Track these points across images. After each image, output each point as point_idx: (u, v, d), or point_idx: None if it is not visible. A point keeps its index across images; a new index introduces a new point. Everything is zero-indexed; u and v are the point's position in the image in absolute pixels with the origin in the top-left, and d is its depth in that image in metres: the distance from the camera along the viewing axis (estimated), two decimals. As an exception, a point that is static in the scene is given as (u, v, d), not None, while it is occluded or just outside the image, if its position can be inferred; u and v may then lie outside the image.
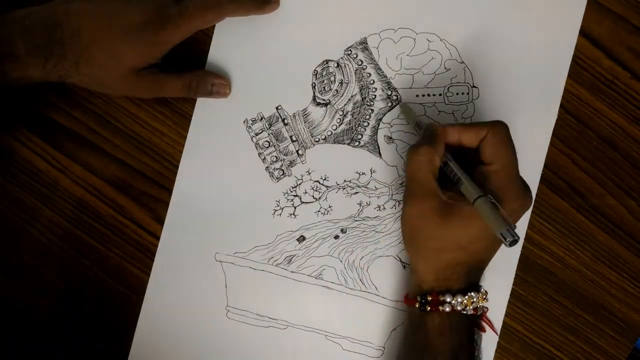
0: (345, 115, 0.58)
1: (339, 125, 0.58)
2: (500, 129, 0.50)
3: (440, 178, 0.50)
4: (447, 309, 0.49)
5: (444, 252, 0.50)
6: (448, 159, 0.50)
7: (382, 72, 0.58)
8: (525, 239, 0.58)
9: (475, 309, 0.50)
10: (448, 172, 0.50)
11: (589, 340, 0.59)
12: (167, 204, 0.57)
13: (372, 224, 0.58)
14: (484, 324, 0.55)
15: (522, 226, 0.58)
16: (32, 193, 0.57)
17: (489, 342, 0.58)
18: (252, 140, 0.58)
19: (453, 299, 0.49)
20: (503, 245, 0.45)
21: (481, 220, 0.47)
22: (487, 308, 0.53)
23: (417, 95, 0.58)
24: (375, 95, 0.58)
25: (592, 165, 0.59)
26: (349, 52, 0.57)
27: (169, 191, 0.58)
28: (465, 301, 0.49)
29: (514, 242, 0.44)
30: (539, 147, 0.58)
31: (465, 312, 0.49)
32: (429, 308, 0.50)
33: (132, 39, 0.51)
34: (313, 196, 0.58)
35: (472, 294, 0.50)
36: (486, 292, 0.51)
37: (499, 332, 0.58)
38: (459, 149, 0.51)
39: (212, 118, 0.57)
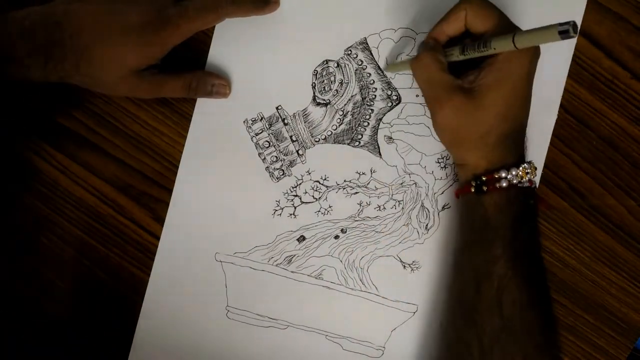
0: (345, 115, 0.58)
1: (339, 125, 0.58)
2: (471, 1, 0.50)
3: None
4: (504, 184, 0.49)
5: (490, 133, 0.49)
6: (460, 46, 0.50)
7: (382, 72, 0.58)
8: (525, 239, 0.58)
9: (530, 180, 0.50)
10: (471, 55, 0.49)
11: (589, 340, 0.59)
12: (167, 204, 0.57)
13: (372, 224, 0.58)
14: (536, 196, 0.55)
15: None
16: (32, 193, 0.57)
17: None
18: (252, 140, 0.58)
19: (508, 173, 0.49)
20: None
21: (509, 82, 0.48)
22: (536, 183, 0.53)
23: (417, 95, 0.58)
24: (375, 95, 0.58)
25: (592, 165, 0.59)
26: (349, 52, 0.57)
27: (169, 191, 0.58)
28: (520, 173, 0.49)
29: (575, 27, 0.41)
30: (539, 147, 0.58)
31: (521, 185, 0.49)
32: (485, 188, 0.49)
33: (132, 40, 0.51)
34: (313, 196, 0.58)
35: (525, 165, 0.49)
36: (534, 165, 0.51)
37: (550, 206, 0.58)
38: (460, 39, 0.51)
39: (212, 118, 0.57)
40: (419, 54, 0.51)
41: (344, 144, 0.58)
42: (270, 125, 0.58)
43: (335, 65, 0.58)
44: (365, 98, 0.58)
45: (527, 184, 0.50)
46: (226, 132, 0.57)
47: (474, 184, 0.50)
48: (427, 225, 0.58)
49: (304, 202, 0.58)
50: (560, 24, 0.41)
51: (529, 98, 0.51)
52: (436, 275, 0.58)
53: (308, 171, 0.58)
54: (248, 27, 0.57)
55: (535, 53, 0.49)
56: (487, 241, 0.50)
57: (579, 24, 0.58)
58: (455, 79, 0.50)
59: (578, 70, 0.58)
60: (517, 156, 0.50)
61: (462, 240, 0.55)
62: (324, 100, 0.58)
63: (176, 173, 0.58)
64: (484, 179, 0.50)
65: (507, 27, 0.49)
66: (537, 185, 0.55)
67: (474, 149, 0.51)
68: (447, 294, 0.57)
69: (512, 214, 0.49)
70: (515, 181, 0.49)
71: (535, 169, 0.51)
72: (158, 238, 0.58)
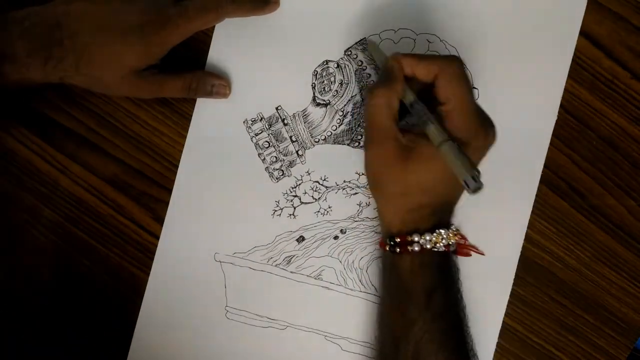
0: (345, 116, 0.58)
1: (339, 126, 0.58)
2: (451, 64, 0.48)
3: (401, 114, 0.49)
4: (417, 248, 0.48)
5: (407, 196, 0.49)
6: (415, 101, 0.48)
7: (382, 72, 0.57)
8: (525, 239, 0.58)
9: (446, 245, 0.49)
10: (414, 113, 0.48)
11: (589, 340, 0.59)
12: (167, 204, 0.57)
13: (372, 224, 0.58)
14: (467, 250, 0.55)
15: (522, 226, 0.58)
16: (32, 193, 0.57)
17: (489, 342, 0.58)
18: (252, 141, 0.58)
19: (421, 238, 0.48)
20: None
21: (443, 162, 0.46)
22: (464, 238, 0.53)
23: (417, 96, 0.58)
24: (375, 96, 0.58)
25: (592, 165, 0.59)
26: (349, 52, 0.57)
27: (169, 191, 0.58)
28: (434, 239, 0.48)
29: (477, 190, 0.42)
30: (539, 147, 0.58)
31: (436, 250, 0.49)
32: (398, 250, 0.49)
33: (131, 40, 0.51)
34: (313, 197, 0.58)
35: (441, 230, 0.49)
36: (457, 228, 0.51)
37: (485, 253, 0.57)
38: (422, 85, 0.50)
39: (212, 118, 0.57)
40: (376, 87, 0.49)
41: (344, 144, 0.58)
42: (270, 125, 0.58)
43: (335, 65, 0.58)
44: (365, 98, 0.58)
45: (442, 249, 0.49)
46: (226, 132, 0.58)
47: (388, 243, 0.50)
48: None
49: (303, 203, 0.58)
50: (469, 180, 0.42)
51: (461, 186, 0.50)
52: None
53: (308, 172, 0.58)
54: (248, 27, 0.57)
55: (482, 145, 0.49)
56: (403, 304, 0.49)
57: (579, 24, 0.58)
58: (398, 132, 0.48)
59: (578, 70, 0.58)
60: (435, 223, 0.50)
61: (381, 298, 0.54)
62: (324, 100, 0.58)
63: (176, 173, 0.58)
64: (397, 240, 0.49)
65: (466, 115, 0.47)
66: (465, 240, 0.56)
67: (391, 204, 0.50)
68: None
69: (425, 279, 0.49)
70: (428, 246, 0.48)
71: (457, 233, 0.50)
72: (158, 238, 0.58)
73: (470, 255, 0.55)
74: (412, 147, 0.48)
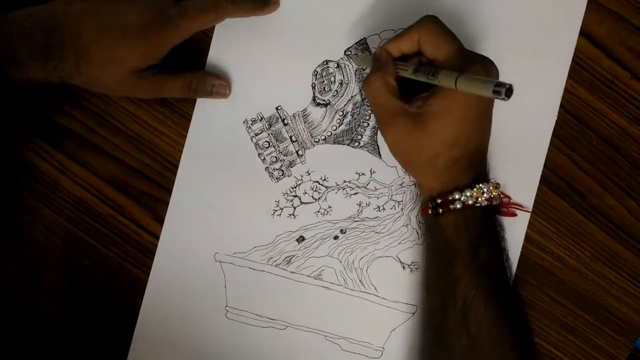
0: (345, 116, 0.58)
1: (339, 126, 0.58)
2: (428, 23, 0.50)
3: (404, 90, 0.50)
4: (459, 206, 0.49)
5: (438, 158, 0.49)
6: (414, 68, 0.49)
7: (382, 72, 0.57)
8: (525, 239, 0.58)
9: (489, 199, 0.50)
10: (421, 78, 0.49)
11: (589, 340, 0.59)
12: (167, 204, 0.58)
13: (372, 224, 0.58)
14: (512, 210, 0.55)
15: (522, 226, 0.58)
16: (32, 193, 0.57)
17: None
18: (252, 141, 0.58)
19: (462, 195, 0.49)
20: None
21: (455, 110, 0.48)
22: (508, 197, 0.53)
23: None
24: (374, 96, 0.58)
25: (592, 165, 0.59)
26: (349, 52, 0.57)
27: (169, 191, 0.58)
28: (474, 193, 0.49)
29: (509, 91, 0.41)
30: (539, 147, 0.58)
31: (478, 205, 0.49)
32: (440, 210, 0.50)
33: (132, 40, 0.51)
34: (313, 197, 0.58)
35: (481, 185, 0.49)
36: (497, 183, 0.51)
37: (525, 209, 0.58)
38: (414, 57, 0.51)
39: (212, 118, 0.58)
40: (370, 75, 0.51)
41: (344, 144, 0.58)
42: (270, 125, 0.58)
43: (335, 65, 0.58)
44: (365, 98, 0.58)
45: (485, 203, 0.50)
46: (226, 132, 0.58)
47: (430, 206, 0.51)
48: (426, 225, 0.58)
49: (303, 203, 0.58)
50: (498, 84, 0.41)
51: (483, 124, 0.51)
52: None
53: (308, 171, 0.58)
54: (248, 27, 0.57)
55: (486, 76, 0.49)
56: (449, 262, 0.50)
57: (579, 24, 0.58)
58: (404, 104, 0.49)
59: (578, 70, 0.58)
60: (473, 177, 0.50)
61: (427, 261, 0.55)
62: (324, 100, 0.58)
63: (176, 173, 0.58)
64: (438, 201, 0.50)
65: (460, 59, 0.48)
66: (510, 198, 0.55)
67: (424, 171, 0.51)
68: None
69: (470, 234, 0.49)
70: (470, 202, 0.49)
71: (497, 186, 0.51)
72: (158, 238, 0.58)
73: (516, 215, 0.55)
74: (424, 111, 0.49)
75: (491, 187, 0.50)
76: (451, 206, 0.49)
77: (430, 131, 0.48)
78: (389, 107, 0.50)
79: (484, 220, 0.50)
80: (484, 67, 0.49)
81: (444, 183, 0.50)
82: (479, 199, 0.49)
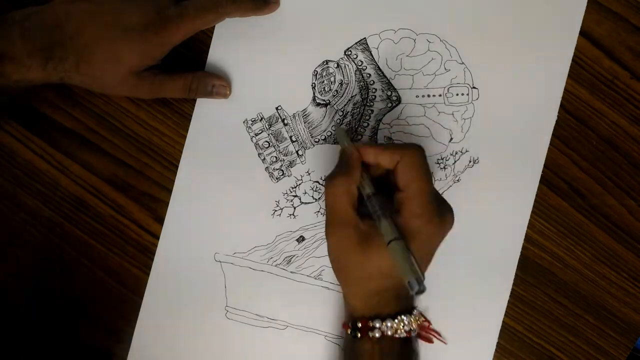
0: (345, 116, 0.58)
1: (339, 126, 0.58)
2: (412, 153, 0.49)
3: (363, 203, 0.50)
4: (377, 335, 0.48)
5: (368, 280, 0.49)
6: (370, 194, 0.49)
7: (382, 72, 0.58)
8: (525, 239, 0.58)
9: (408, 331, 0.49)
10: (369, 206, 0.49)
11: (589, 340, 0.59)
12: (167, 204, 0.57)
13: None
14: (430, 336, 0.55)
15: (522, 226, 0.58)
16: (32, 193, 0.57)
17: (488, 343, 0.58)
18: (252, 141, 0.58)
19: (382, 324, 0.48)
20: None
21: None
22: (427, 323, 0.53)
23: (417, 96, 0.58)
24: (375, 96, 0.58)
25: (592, 165, 0.59)
26: (349, 52, 0.57)
27: (169, 191, 0.58)
28: (395, 325, 0.49)
29: (420, 292, 0.43)
30: (539, 147, 0.58)
31: (398, 336, 0.49)
32: (359, 334, 0.49)
33: (132, 40, 0.51)
34: (313, 196, 0.58)
35: (403, 317, 0.49)
36: (420, 313, 0.51)
37: (447, 342, 0.57)
38: (384, 172, 0.50)
39: (212, 118, 0.57)
40: (334, 176, 0.49)
41: (344, 144, 0.58)
42: (270, 125, 0.58)
43: (335, 65, 0.58)
44: (365, 98, 0.58)
45: (403, 335, 0.49)
46: (226, 132, 0.58)
47: (350, 326, 0.50)
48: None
49: (303, 203, 0.58)
50: (414, 281, 0.43)
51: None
52: (435, 275, 0.58)
53: (308, 171, 0.58)
54: (248, 27, 0.57)
55: (437, 232, 0.49)
56: None
57: (579, 24, 0.58)
58: (357, 218, 0.48)
59: (578, 70, 0.58)
60: (398, 307, 0.50)
61: None
62: (324, 100, 0.58)
63: (176, 173, 0.58)
64: (359, 325, 0.49)
65: (422, 204, 0.48)
66: (429, 323, 0.55)
67: (353, 287, 0.51)
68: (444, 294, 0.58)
69: None
70: (389, 332, 0.49)
71: (419, 317, 0.50)
72: (158, 238, 0.58)
73: (432, 342, 0.55)
74: (372, 233, 0.48)
75: (412, 319, 0.49)
76: (370, 333, 0.49)
77: (370, 255, 0.48)
78: (342, 215, 0.49)
79: (399, 352, 0.50)
80: (438, 227, 0.48)
81: (367, 306, 0.50)
82: (398, 331, 0.49)
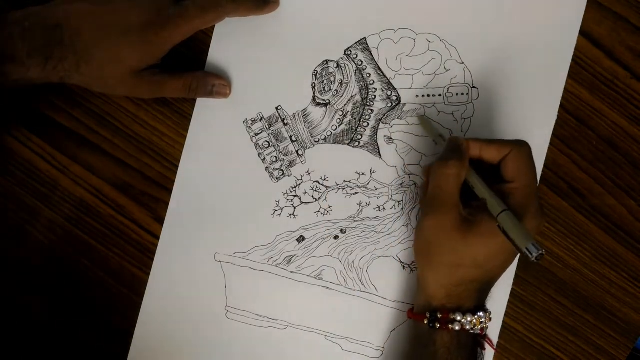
0: (345, 116, 0.58)
1: (339, 126, 0.58)
2: (524, 148, 0.50)
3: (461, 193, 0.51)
4: (457, 328, 0.49)
5: (458, 268, 0.49)
6: (473, 173, 0.50)
7: (382, 72, 0.58)
8: (525, 239, 0.59)
9: (482, 329, 0.50)
10: (473, 185, 0.50)
11: (589, 341, 0.59)
12: (167, 204, 0.57)
13: (372, 224, 0.58)
14: (485, 342, 0.55)
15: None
16: (32, 193, 0.57)
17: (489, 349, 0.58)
18: (252, 141, 0.58)
19: (463, 318, 0.49)
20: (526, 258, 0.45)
21: (499, 238, 0.47)
22: (487, 327, 0.53)
23: (417, 96, 0.58)
24: (375, 96, 0.58)
25: (592, 165, 0.59)
26: (349, 52, 0.57)
27: (169, 191, 0.58)
28: (474, 321, 0.50)
29: (540, 256, 0.44)
30: (539, 147, 0.58)
31: (473, 332, 0.50)
32: (438, 325, 0.50)
33: (132, 40, 0.51)
34: (313, 196, 0.58)
35: (481, 314, 0.50)
36: (491, 313, 0.51)
37: (495, 347, 0.58)
38: (478, 163, 0.51)
39: (212, 118, 0.57)
40: (448, 159, 0.50)
41: (344, 144, 0.58)
42: (270, 125, 0.58)
43: (335, 65, 0.58)
44: (365, 98, 0.58)
45: (478, 332, 0.50)
46: (226, 132, 0.58)
47: (428, 316, 0.51)
48: (426, 225, 0.58)
49: (303, 203, 0.58)
50: (535, 246, 0.44)
51: (508, 261, 0.51)
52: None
53: (308, 171, 0.58)
54: (248, 27, 0.57)
55: (533, 228, 0.49)
56: None
57: (579, 24, 0.58)
58: (460, 203, 0.50)
59: (578, 70, 0.58)
60: (477, 302, 0.51)
61: None
62: (324, 100, 0.58)
63: (176, 173, 0.58)
64: (439, 315, 0.50)
65: (527, 197, 0.49)
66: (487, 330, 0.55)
67: (439, 273, 0.51)
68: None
69: (459, 359, 0.50)
70: (468, 327, 0.49)
71: (490, 319, 0.51)
72: (158, 238, 0.58)
73: (485, 348, 0.55)
74: (472, 221, 0.49)
75: (487, 317, 0.51)
76: (450, 325, 0.49)
77: (468, 242, 0.49)
78: (447, 197, 0.50)
79: (474, 348, 0.51)
80: (539, 223, 0.50)
81: (449, 296, 0.50)
82: (476, 327, 0.50)
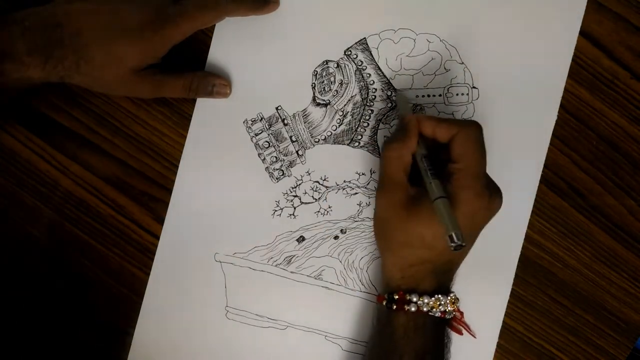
0: (345, 116, 0.58)
1: (339, 126, 0.58)
2: (471, 128, 0.50)
3: (416, 172, 0.51)
4: (413, 309, 0.49)
5: (409, 248, 0.50)
6: (423, 156, 0.50)
7: (382, 72, 0.58)
8: (525, 239, 0.58)
9: (443, 312, 0.50)
10: (420, 167, 0.50)
11: (589, 340, 0.59)
12: (167, 204, 0.57)
13: (372, 224, 0.58)
14: (460, 327, 0.55)
15: (522, 226, 0.58)
16: (32, 193, 0.57)
17: (488, 343, 0.58)
18: (252, 141, 0.58)
19: (419, 299, 0.49)
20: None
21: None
22: (461, 312, 0.53)
23: (417, 96, 0.58)
24: (375, 96, 0.58)
25: (592, 165, 0.59)
26: (349, 52, 0.57)
27: (169, 191, 0.58)
28: (431, 303, 0.49)
29: (458, 248, 0.45)
30: (539, 147, 0.58)
31: (432, 314, 0.50)
32: (394, 306, 0.50)
33: (132, 39, 0.51)
34: (313, 197, 0.58)
35: (440, 296, 0.50)
36: (456, 297, 0.51)
37: (476, 336, 0.58)
38: (436, 142, 0.51)
39: (212, 118, 0.57)
40: (392, 140, 0.51)
41: (344, 144, 0.58)
42: (270, 125, 0.58)
43: (335, 65, 0.58)
44: (365, 98, 0.58)
45: (438, 314, 0.50)
46: (226, 132, 0.58)
47: (386, 297, 0.51)
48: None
49: (303, 203, 0.58)
50: (454, 236, 0.45)
51: (465, 250, 0.51)
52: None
53: (308, 172, 0.58)
54: (248, 27, 0.57)
55: (485, 207, 0.50)
56: None
57: (579, 24, 0.58)
58: (408, 183, 0.50)
59: (578, 70, 0.58)
60: (435, 285, 0.50)
61: (370, 352, 0.54)
62: (324, 100, 0.58)
63: (176, 173, 0.58)
64: (395, 297, 0.50)
65: (473, 180, 0.49)
66: (462, 314, 0.55)
67: (393, 253, 0.51)
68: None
69: (418, 341, 0.50)
70: (425, 309, 0.49)
71: (455, 301, 0.51)
72: (158, 238, 0.58)
73: (462, 333, 0.55)
74: (419, 201, 0.49)
75: (449, 301, 0.50)
76: (406, 307, 0.49)
77: (414, 220, 0.49)
78: (394, 178, 0.50)
79: (434, 330, 0.50)
80: (485, 204, 0.49)
81: (404, 277, 0.51)
82: (434, 309, 0.50)
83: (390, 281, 0.52)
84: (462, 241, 0.45)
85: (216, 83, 0.56)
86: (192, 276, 0.58)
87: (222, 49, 0.57)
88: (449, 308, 0.50)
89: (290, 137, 0.58)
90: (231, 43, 0.57)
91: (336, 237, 0.58)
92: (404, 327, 0.50)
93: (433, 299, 0.49)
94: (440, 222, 0.46)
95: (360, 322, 0.58)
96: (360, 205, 0.58)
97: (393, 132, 0.52)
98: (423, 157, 0.50)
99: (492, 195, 0.50)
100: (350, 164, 0.58)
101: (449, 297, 0.50)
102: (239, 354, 0.58)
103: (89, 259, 0.58)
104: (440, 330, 0.51)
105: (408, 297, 0.49)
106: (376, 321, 0.53)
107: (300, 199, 0.58)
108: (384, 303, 0.51)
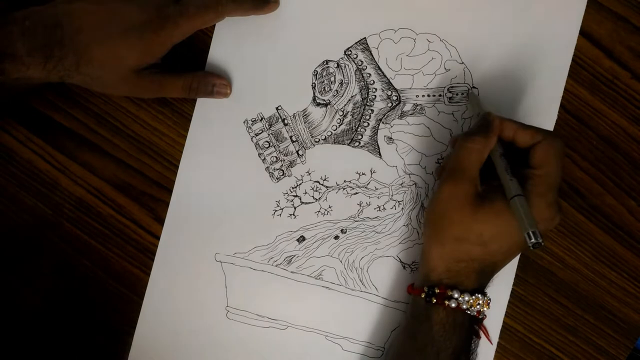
0: (345, 116, 0.58)
1: (339, 126, 0.58)
2: (556, 140, 0.50)
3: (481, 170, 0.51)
4: (453, 305, 0.49)
5: (463, 242, 0.50)
6: (500, 153, 0.51)
7: (382, 72, 0.58)
8: (525, 239, 0.58)
9: (478, 311, 0.50)
10: (496, 164, 0.51)
11: (589, 340, 0.59)
12: (167, 204, 0.57)
13: (372, 224, 0.58)
14: (480, 331, 0.55)
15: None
16: (32, 193, 0.57)
17: (488, 344, 0.58)
18: (252, 141, 0.58)
19: (460, 296, 0.49)
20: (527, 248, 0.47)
21: (508, 220, 0.48)
22: (486, 315, 0.53)
23: (417, 96, 0.58)
24: (375, 96, 0.58)
25: (592, 165, 0.59)
26: (349, 52, 0.57)
27: (169, 191, 0.58)
28: (471, 301, 0.49)
29: (537, 245, 0.45)
30: (539, 147, 0.58)
31: (469, 312, 0.50)
32: (434, 300, 0.50)
33: (132, 39, 0.51)
34: (313, 196, 0.58)
35: (479, 295, 0.50)
36: (490, 299, 0.51)
37: (494, 342, 0.58)
38: (509, 144, 0.52)
39: (212, 118, 0.57)
40: (475, 133, 0.51)
41: (344, 144, 0.58)
42: (270, 125, 0.58)
43: (335, 65, 0.58)
44: (365, 98, 0.58)
45: (474, 314, 0.50)
46: (226, 132, 0.58)
47: (425, 290, 0.51)
48: (427, 225, 0.58)
49: (303, 203, 0.58)
50: (536, 233, 0.46)
51: (514, 250, 0.51)
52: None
53: (308, 171, 0.58)
54: (248, 27, 0.57)
55: (547, 219, 0.50)
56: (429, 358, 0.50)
57: (579, 24, 0.58)
58: (478, 178, 0.50)
59: (578, 70, 0.58)
60: (476, 284, 0.50)
61: (404, 344, 0.53)
62: (324, 100, 0.58)
63: (176, 173, 0.58)
64: (436, 290, 0.50)
65: (547, 190, 0.49)
66: (485, 317, 0.54)
67: (443, 245, 0.51)
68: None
69: (455, 339, 0.50)
70: (464, 306, 0.49)
71: (489, 305, 0.51)
72: (158, 238, 0.58)
73: (480, 337, 0.54)
74: (485, 198, 0.49)
75: (485, 301, 0.50)
76: (446, 302, 0.49)
77: (478, 218, 0.49)
78: (466, 169, 0.50)
79: (469, 329, 0.51)
80: (552, 216, 0.50)
81: (448, 271, 0.50)
82: (472, 308, 0.50)
83: (432, 273, 0.51)
84: (542, 239, 0.45)
85: (216, 83, 0.56)
86: (193, 276, 0.58)
87: (222, 49, 0.57)
88: (485, 309, 0.50)
89: (291, 137, 0.58)
90: (231, 43, 0.57)
91: (336, 237, 0.58)
92: (442, 323, 0.50)
93: (473, 297, 0.49)
94: (519, 217, 0.47)
95: (360, 322, 0.58)
96: (360, 205, 0.58)
97: (472, 126, 0.52)
98: (502, 155, 0.50)
99: (557, 211, 0.50)
100: (350, 164, 0.58)
101: (485, 298, 0.50)
102: (239, 354, 0.58)
103: (89, 259, 0.58)
104: (472, 329, 0.51)
105: (449, 293, 0.49)
106: (411, 315, 0.53)
107: (300, 199, 0.58)
108: (422, 296, 0.51)
